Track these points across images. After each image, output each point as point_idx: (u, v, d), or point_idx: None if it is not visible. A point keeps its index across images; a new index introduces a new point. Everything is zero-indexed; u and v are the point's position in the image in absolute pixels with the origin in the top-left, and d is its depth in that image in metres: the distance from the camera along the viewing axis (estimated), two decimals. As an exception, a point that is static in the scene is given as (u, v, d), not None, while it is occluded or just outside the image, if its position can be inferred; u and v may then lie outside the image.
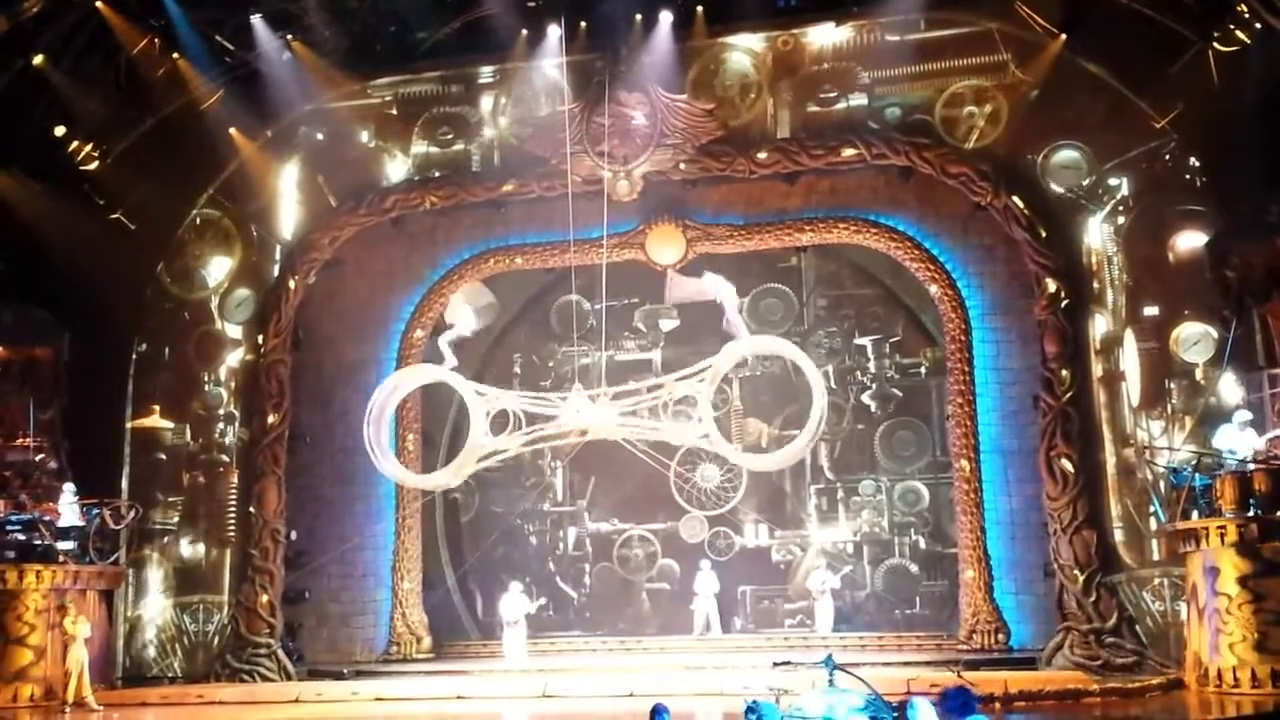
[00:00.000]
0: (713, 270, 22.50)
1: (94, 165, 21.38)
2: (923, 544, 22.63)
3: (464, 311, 20.60)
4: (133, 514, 20.26)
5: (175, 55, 20.64)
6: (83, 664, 17.76)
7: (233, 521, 21.77)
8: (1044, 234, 19.10)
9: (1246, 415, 16.29)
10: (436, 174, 22.00)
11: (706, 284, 20.19)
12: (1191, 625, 16.25)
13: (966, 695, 6.96)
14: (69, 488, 19.35)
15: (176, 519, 22.05)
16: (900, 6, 19.65)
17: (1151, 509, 18.09)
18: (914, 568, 22.52)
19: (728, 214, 21.14)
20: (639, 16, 20.11)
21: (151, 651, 21.62)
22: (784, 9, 20.93)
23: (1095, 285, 19.38)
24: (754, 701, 8.31)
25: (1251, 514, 15.20)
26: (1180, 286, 18.54)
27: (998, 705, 14.87)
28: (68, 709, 17.55)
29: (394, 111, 22.38)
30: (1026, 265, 19.24)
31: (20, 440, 20.17)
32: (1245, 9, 17.09)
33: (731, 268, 22.98)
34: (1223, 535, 15.30)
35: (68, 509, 18.93)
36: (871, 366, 23.35)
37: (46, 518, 18.79)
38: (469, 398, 19.00)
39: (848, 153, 20.01)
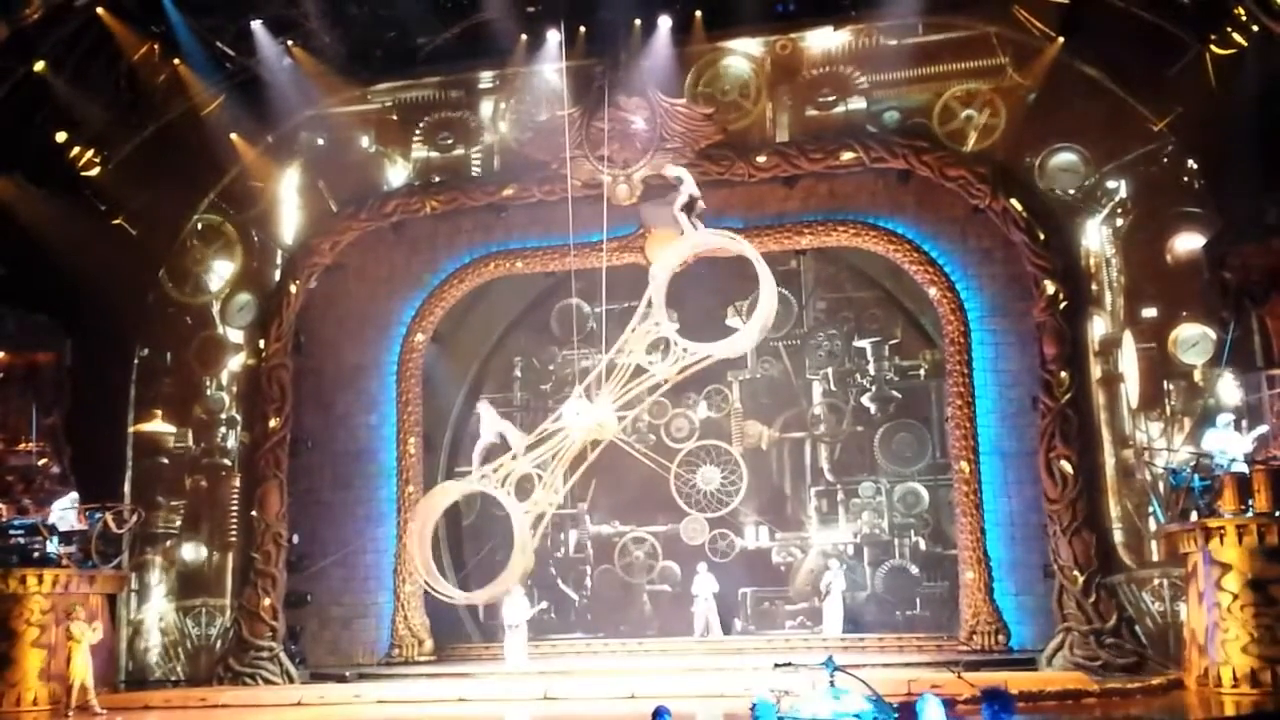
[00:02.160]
0: (709, 270, 22.57)
1: (95, 171, 21.44)
2: (923, 545, 22.69)
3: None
4: (135, 518, 20.27)
5: (176, 61, 20.71)
6: (87, 669, 17.81)
7: (235, 525, 21.81)
8: (1042, 236, 19.16)
9: (1229, 417, 16.39)
10: (437, 179, 22.09)
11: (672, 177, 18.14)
12: (1191, 626, 16.31)
13: (1004, 697, 7.01)
14: (72, 496, 19.34)
15: (179, 523, 22.10)
16: (898, 10, 19.70)
17: (1151, 510, 18.15)
18: (914, 569, 22.58)
19: (727, 217, 21.11)
20: (638, 21, 20.19)
21: (154, 655, 21.67)
22: (782, 13, 20.97)
23: (1094, 287, 19.44)
24: (757, 701, 8.39)
25: (1251, 514, 15.26)
26: (1178, 288, 18.59)
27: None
28: (71, 713, 17.59)
29: (394, 116, 22.45)
30: (1025, 267, 19.29)
31: (23, 445, 20.20)
32: (1242, 12, 17.11)
33: (731, 270, 23.10)
34: (1222, 536, 15.36)
35: (59, 515, 18.92)
36: (871, 369, 23.44)
37: (49, 522, 18.82)
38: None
39: (846, 156, 20.08)
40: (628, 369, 17.43)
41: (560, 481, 17.45)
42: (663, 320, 17.25)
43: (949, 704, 7.82)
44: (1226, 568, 15.29)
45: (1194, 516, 16.00)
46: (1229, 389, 17.53)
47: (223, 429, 22.39)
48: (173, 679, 21.34)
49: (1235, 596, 15.14)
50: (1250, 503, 15.34)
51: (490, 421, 18.29)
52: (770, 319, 17.43)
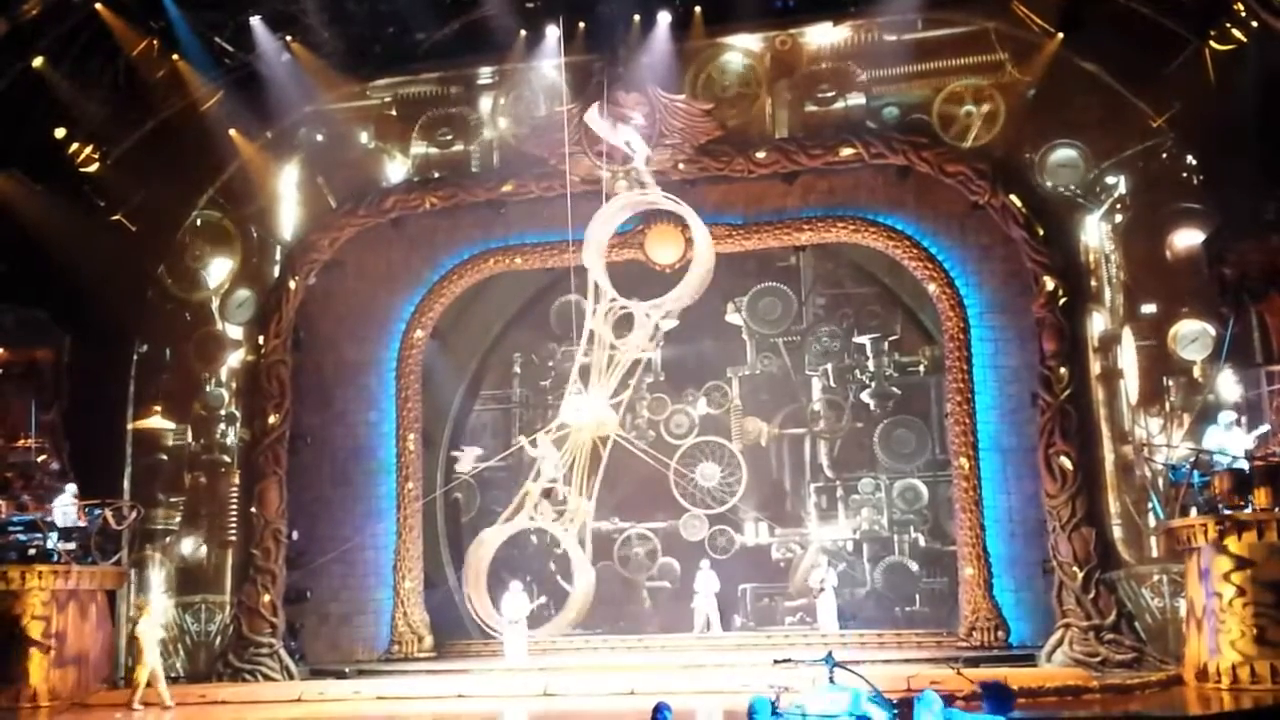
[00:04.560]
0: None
1: (94, 167, 21.33)
2: (922, 542, 22.72)
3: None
4: (134, 514, 20.26)
5: (175, 57, 20.63)
6: (147, 665, 17.79)
7: (234, 522, 21.77)
8: (1042, 232, 19.15)
9: (1231, 415, 16.39)
10: (436, 175, 22.05)
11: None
12: (1190, 621, 16.32)
13: (1004, 692, 7.00)
14: (70, 488, 19.37)
15: (178, 519, 22.04)
16: (897, 6, 19.71)
17: (1150, 506, 18.16)
18: (914, 565, 22.60)
19: (726, 213, 21.18)
20: (637, 17, 20.15)
21: (154, 652, 21.63)
22: (782, 9, 20.92)
23: (1093, 283, 19.42)
24: (753, 699, 8.40)
25: (1249, 510, 15.26)
26: (1178, 284, 18.58)
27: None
28: (166, 707, 17.55)
29: (393, 112, 22.40)
30: (1024, 263, 19.28)
31: (22, 441, 20.16)
32: (1242, 8, 17.11)
33: (731, 267, 23.13)
34: (1221, 532, 15.37)
35: (61, 511, 18.92)
36: (870, 365, 23.46)
37: (49, 518, 18.82)
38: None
39: (846, 152, 20.06)
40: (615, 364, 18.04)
41: (586, 483, 18.76)
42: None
43: (948, 700, 7.82)
44: (1227, 563, 15.29)
45: (1193, 513, 16.02)
46: (1228, 385, 17.54)
47: (222, 425, 22.33)
48: (172, 675, 21.24)
49: (1237, 592, 15.15)
50: (1250, 499, 15.35)
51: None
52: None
